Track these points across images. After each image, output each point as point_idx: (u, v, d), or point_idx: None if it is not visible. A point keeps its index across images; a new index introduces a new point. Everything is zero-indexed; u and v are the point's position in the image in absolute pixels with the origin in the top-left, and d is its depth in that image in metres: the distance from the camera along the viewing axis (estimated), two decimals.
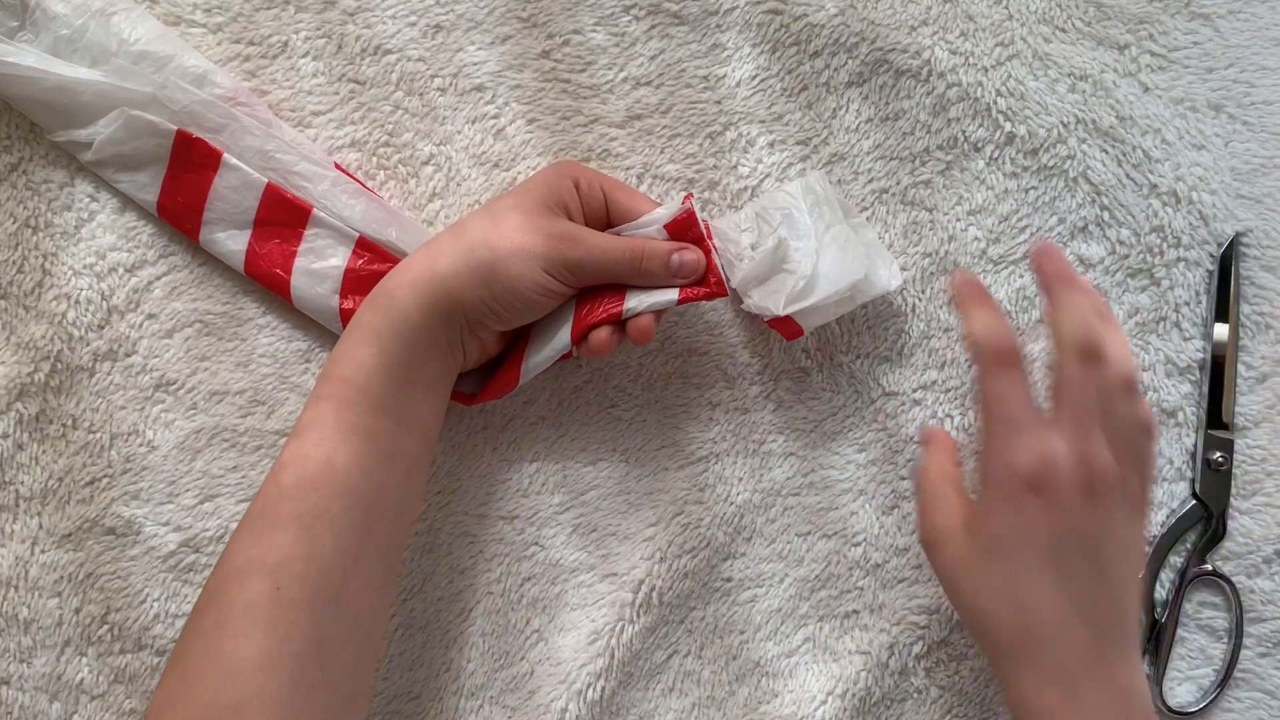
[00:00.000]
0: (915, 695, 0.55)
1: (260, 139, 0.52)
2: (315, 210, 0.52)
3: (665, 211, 0.50)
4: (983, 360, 0.46)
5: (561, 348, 0.50)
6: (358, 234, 0.53)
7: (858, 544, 0.56)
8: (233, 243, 0.53)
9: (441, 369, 0.48)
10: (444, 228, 0.55)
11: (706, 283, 0.50)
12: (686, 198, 0.52)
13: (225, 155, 0.52)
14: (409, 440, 0.47)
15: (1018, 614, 0.44)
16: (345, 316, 0.52)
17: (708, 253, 0.50)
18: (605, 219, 0.51)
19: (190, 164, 0.52)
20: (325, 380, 0.46)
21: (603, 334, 0.49)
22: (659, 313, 0.50)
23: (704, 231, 0.50)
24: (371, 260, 0.53)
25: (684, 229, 0.50)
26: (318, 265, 0.53)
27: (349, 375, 0.46)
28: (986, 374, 0.46)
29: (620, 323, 0.50)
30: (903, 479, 0.56)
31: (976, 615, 0.46)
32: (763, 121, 0.56)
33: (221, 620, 0.41)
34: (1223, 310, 0.55)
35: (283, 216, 0.53)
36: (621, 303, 0.49)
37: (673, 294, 0.49)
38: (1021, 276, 0.56)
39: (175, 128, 0.52)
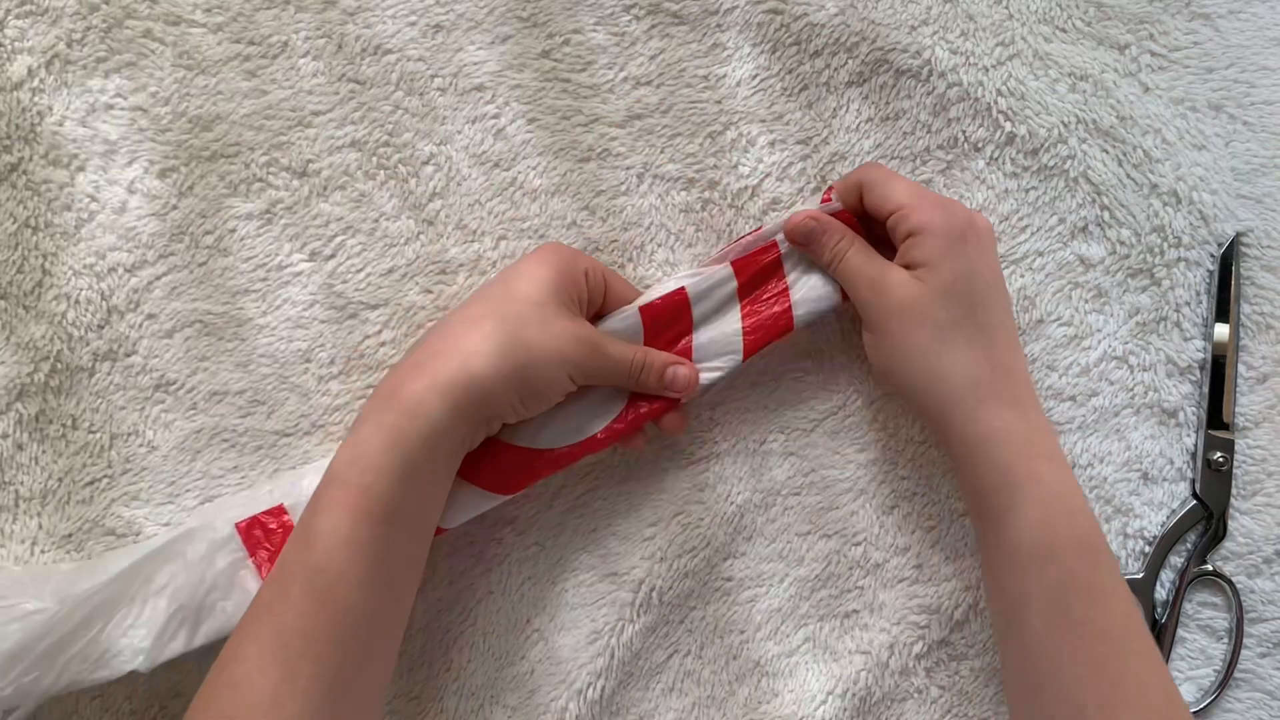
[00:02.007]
0: (916, 695, 0.55)
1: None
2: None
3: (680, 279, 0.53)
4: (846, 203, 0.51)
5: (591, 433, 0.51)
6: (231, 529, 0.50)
7: (858, 544, 0.56)
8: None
9: (454, 463, 0.47)
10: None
11: (775, 325, 0.52)
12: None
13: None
14: (419, 545, 0.46)
15: (988, 350, 0.47)
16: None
17: (779, 278, 0.52)
18: (601, 306, 0.51)
19: None
20: (342, 484, 0.44)
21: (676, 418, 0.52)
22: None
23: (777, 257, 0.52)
24: (263, 529, 0.50)
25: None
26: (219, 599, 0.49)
27: (369, 483, 0.43)
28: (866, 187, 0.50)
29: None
30: (903, 479, 0.56)
31: (946, 366, 0.47)
32: (763, 121, 0.56)
33: None
34: (1223, 311, 0.55)
35: None
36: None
37: (736, 359, 0.52)
38: (1022, 276, 0.56)
39: None
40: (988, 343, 0.47)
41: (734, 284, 0.52)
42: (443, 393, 0.44)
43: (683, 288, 0.51)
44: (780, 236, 0.52)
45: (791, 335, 0.52)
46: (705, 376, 0.51)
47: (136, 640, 0.48)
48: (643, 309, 0.51)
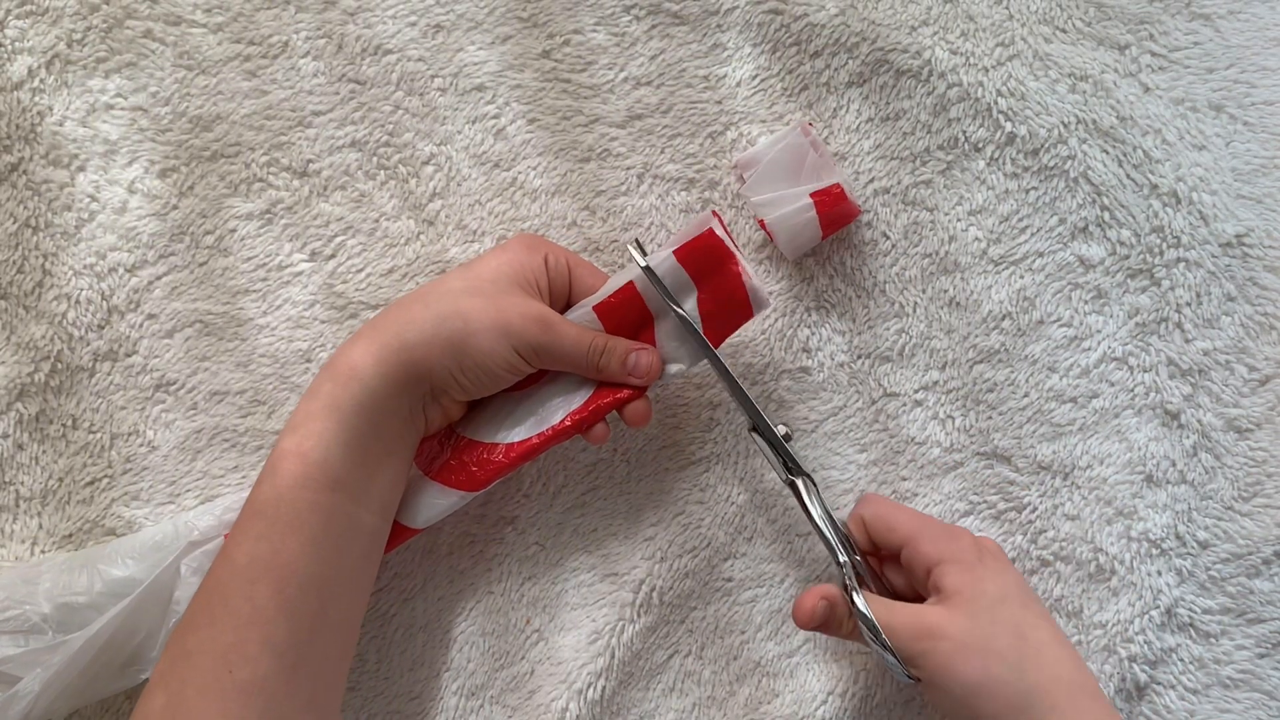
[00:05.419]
0: (917, 697, 0.55)
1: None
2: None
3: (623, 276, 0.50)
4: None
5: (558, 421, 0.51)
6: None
7: None
8: None
9: (402, 438, 0.47)
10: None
11: (734, 315, 0.50)
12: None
13: None
14: (366, 515, 0.46)
15: (1052, 669, 0.46)
16: None
17: (739, 273, 0.50)
18: (568, 295, 0.51)
19: None
20: (281, 452, 0.44)
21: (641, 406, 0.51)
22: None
23: (730, 248, 0.50)
24: None
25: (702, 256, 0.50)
26: None
27: (307, 450, 0.44)
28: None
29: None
30: (904, 480, 0.56)
31: (1022, 694, 0.45)
32: (763, 121, 0.56)
33: (173, 705, 0.41)
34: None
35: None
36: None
37: (699, 351, 0.50)
38: (1022, 277, 0.56)
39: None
40: (1046, 661, 0.46)
41: (684, 273, 0.50)
42: (376, 359, 0.45)
43: (630, 282, 0.50)
44: (715, 225, 0.49)
45: (753, 321, 0.52)
46: (671, 369, 0.51)
47: (151, 652, 0.49)
48: (597, 307, 0.50)
